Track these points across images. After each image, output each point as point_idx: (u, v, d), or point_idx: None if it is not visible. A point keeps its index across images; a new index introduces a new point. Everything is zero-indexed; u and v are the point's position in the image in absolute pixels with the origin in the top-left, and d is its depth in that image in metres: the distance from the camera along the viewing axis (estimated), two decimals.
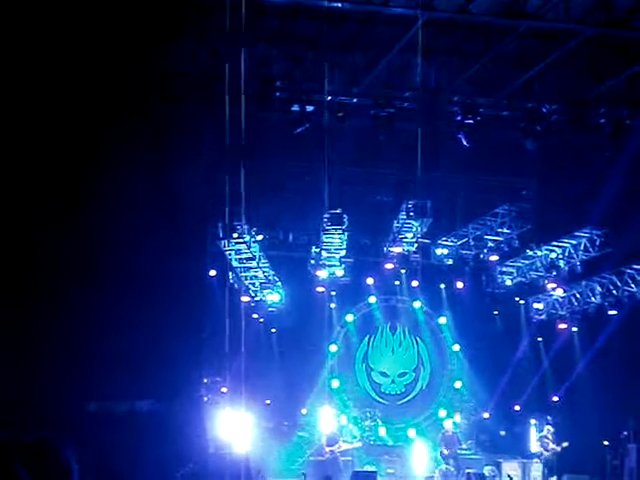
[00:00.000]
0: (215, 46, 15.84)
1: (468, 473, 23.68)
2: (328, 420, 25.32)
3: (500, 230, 24.83)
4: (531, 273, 26.21)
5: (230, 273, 23.34)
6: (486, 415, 27.62)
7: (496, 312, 28.20)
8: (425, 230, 23.19)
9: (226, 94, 14.40)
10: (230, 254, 21.94)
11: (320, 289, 25.98)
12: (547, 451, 24.00)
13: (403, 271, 27.01)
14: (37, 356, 8.07)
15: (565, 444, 23.67)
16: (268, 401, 25.93)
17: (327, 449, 23.83)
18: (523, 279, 26.70)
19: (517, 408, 27.37)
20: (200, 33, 15.88)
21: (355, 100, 19.01)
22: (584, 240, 24.01)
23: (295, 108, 18.45)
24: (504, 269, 26.76)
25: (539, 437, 24.58)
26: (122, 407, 8.91)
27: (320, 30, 16.69)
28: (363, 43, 18.29)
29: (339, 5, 16.42)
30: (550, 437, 24.16)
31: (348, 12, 17.00)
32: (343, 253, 23.66)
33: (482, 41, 18.16)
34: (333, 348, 27.73)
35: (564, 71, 18.77)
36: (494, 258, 25.73)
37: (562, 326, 27.50)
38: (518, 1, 16.44)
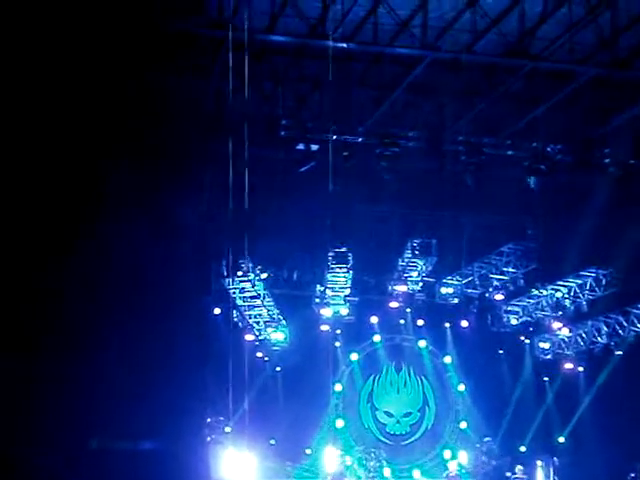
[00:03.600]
0: (220, 84, 15.96)
1: None
2: (332, 460, 25.12)
3: (505, 269, 24.78)
4: (537, 312, 26.13)
5: (234, 311, 23.32)
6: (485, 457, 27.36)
7: (501, 351, 28.07)
8: (430, 269, 23.20)
9: (231, 132, 14.47)
10: (234, 292, 21.93)
11: (325, 328, 25.89)
12: None
13: (408, 310, 26.97)
14: (37, 391, 8.02)
15: None
16: (272, 441, 25.76)
17: None
18: (529, 318, 26.61)
19: (523, 449, 27.13)
20: (205, 70, 16.01)
21: (360, 139, 19.08)
22: (590, 280, 23.98)
23: (300, 147, 18.53)
24: (509, 308, 26.68)
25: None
26: (124, 445, 8.83)
27: (325, 70, 16.79)
28: (368, 83, 18.41)
29: (344, 45, 16.56)
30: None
31: (353, 52, 17.13)
32: (348, 292, 23.64)
33: (486, 81, 18.26)
34: (338, 387, 27.59)
35: (568, 111, 18.85)
36: (499, 297, 25.65)
37: (568, 366, 27.36)
38: (522, 42, 16.55)
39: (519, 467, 24.21)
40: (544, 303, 25.54)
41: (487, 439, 27.18)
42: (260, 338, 25.12)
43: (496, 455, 26.77)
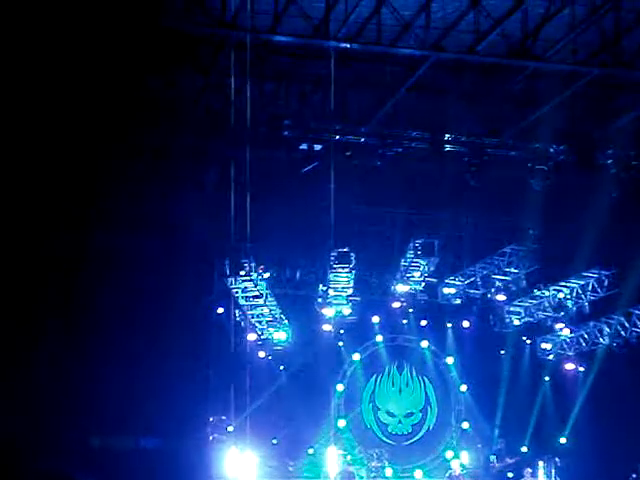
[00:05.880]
0: (223, 83, 15.99)
1: None
2: (334, 460, 25.15)
3: (508, 270, 24.77)
4: (539, 313, 26.13)
5: (237, 311, 23.33)
6: (493, 457, 27.36)
7: (503, 352, 28.08)
8: (432, 269, 23.19)
9: (233, 131, 14.51)
10: (237, 292, 21.94)
11: (327, 327, 25.90)
12: None
13: (410, 310, 26.98)
14: (42, 390, 8.07)
15: None
16: (275, 440, 25.79)
17: None
18: (531, 319, 26.62)
19: (524, 450, 27.13)
20: (208, 69, 16.04)
21: (363, 139, 19.10)
22: (592, 280, 23.97)
23: (303, 147, 18.56)
24: (512, 309, 26.68)
25: None
26: (126, 443, 8.88)
27: (328, 69, 16.81)
28: (371, 83, 18.43)
29: (347, 45, 16.58)
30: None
31: (356, 52, 17.15)
32: (350, 291, 23.63)
33: (489, 81, 18.28)
34: (340, 387, 27.60)
35: (571, 111, 18.87)
36: (502, 298, 25.65)
37: (570, 366, 27.39)
38: (525, 42, 16.56)
39: (528, 470, 24.22)
40: (546, 304, 25.53)
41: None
42: (262, 338, 25.13)
43: (504, 456, 26.72)
